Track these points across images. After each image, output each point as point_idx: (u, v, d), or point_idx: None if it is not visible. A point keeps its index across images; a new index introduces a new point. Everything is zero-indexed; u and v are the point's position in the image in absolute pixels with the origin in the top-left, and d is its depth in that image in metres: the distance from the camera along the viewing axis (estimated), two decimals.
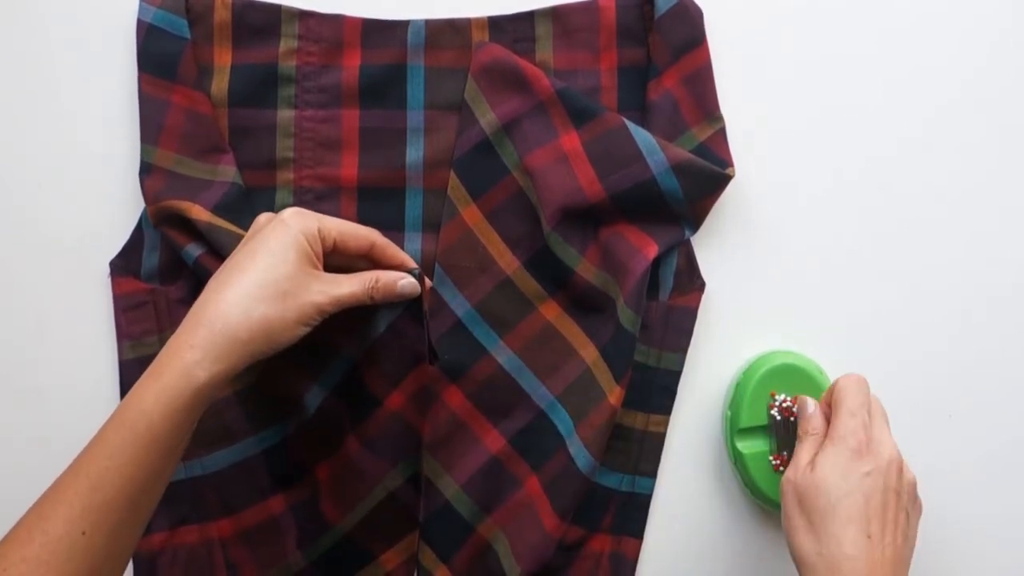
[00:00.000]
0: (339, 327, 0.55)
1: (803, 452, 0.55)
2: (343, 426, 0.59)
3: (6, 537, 0.45)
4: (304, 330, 0.50)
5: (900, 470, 0.54)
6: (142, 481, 0.46)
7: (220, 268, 0.52)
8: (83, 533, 0.44)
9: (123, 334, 0.62)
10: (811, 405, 0.58)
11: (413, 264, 0.56)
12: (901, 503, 0.53)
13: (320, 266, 0.52)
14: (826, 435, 0.55)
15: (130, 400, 0.47)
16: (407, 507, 0.61)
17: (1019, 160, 0.66)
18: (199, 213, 0.59)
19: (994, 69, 0.66)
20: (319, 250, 0.52)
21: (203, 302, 0.50)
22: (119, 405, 0.48)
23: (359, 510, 0.60)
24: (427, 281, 0.59)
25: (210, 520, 0.61)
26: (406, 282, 0.54)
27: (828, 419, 0.57)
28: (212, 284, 0.51)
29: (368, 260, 0.55)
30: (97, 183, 0.64)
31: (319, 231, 0.52)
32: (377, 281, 0.53)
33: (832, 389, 0.57)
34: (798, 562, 0.53)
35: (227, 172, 0.61)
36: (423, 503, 0.61)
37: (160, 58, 0.61)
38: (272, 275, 0.49)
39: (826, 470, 0.53)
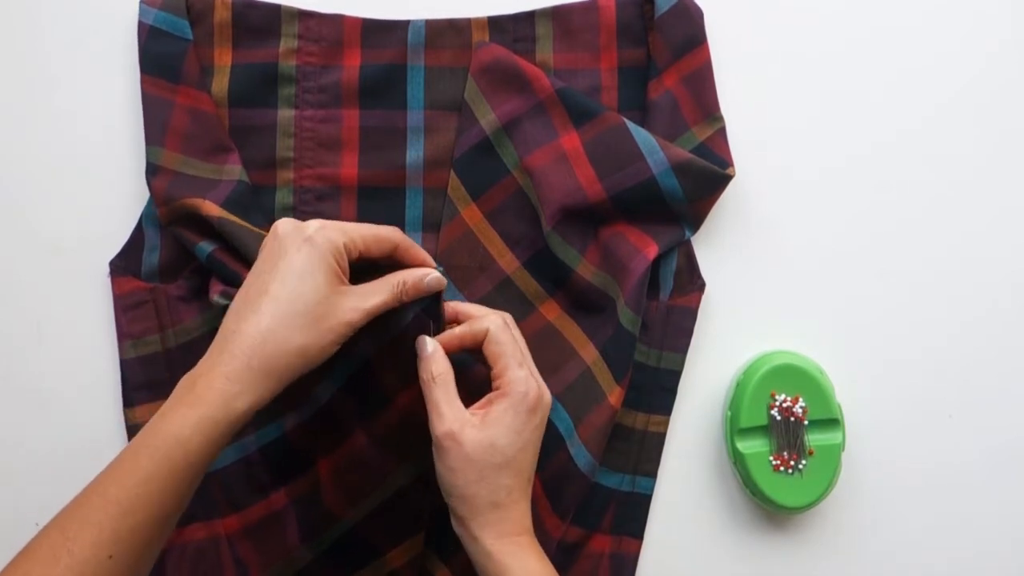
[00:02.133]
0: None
1: (442, 398, 0.52)
2: (350, 420, 0.59)
3: (27, 553, 0.45)
4: (337, 347, 0.50)
5: (550, 405, 0.55)
6: (171, 507, 0.47)
7: (247, 287, 0.51)
8: (110, 557, 0.44)
9: (124, 333, 0.62)
10: (430, 344, 0.54)
11: (434, 263, 0.55)
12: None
13: (347, 279, 0.52)
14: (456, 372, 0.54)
15: (164, 427, 0.47)
16: (415, 506, 0.61)
17: (1020, 160, 0.66)
18: (210, 209, 0.59)
19: (995, 69, 0.66)
20: (346, 265, 0.51)
21: (234, 330, 0.49)
22: (149, 430, 0.47)
23: (366, 504, 0.60)
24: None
25: (217, 517, 0.61)
26: (432, 278, 0.53)
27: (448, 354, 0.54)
28: (241, 308, 0.50)
29: (391, 260, 0.55)
30: (97, 183, 0.64)
31: (345, 246, 0.51)
32: (405, 283, 0.52)
33: (474, 332, 0.55)
34: (461, 506, 0.52)
35: (233, 171, 0.61)
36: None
37: (163, 60, 0.61)
38: (304, 302, 0.49)
39: (503, 428, 0.52)
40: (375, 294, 0.51)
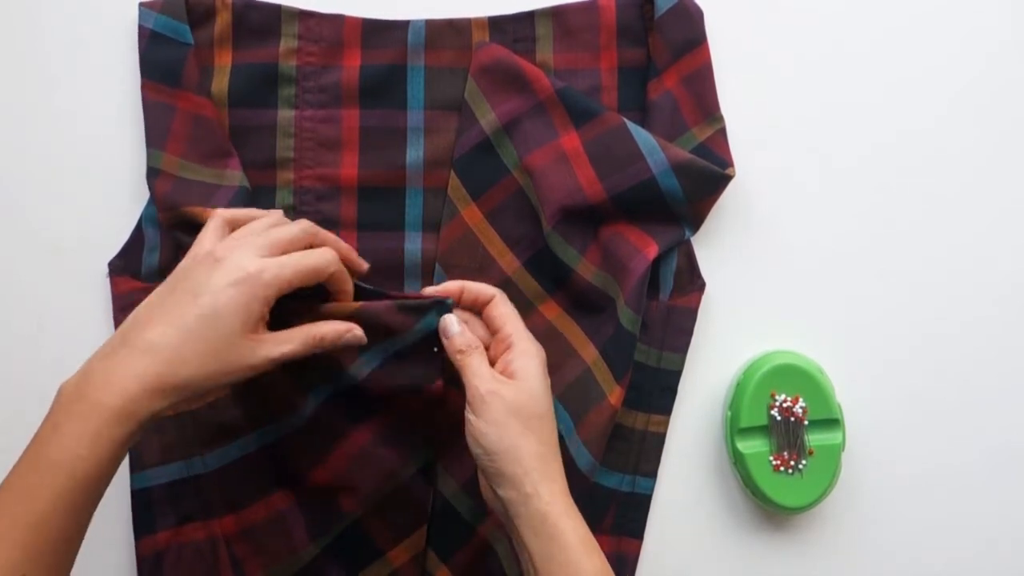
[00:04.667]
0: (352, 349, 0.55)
1: (481, 364, 0.53)
2: (350, 420, 0.59)
3: None
4: (230, 386, 0.51)
5: None
6: (81, 523, 0.47)
7: (160, 299, 0.50)
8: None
9: None
10: (456, 323, 0.55)
11: (351, 295, 0.55)
12: None
13: (266, 323, 0.51)
14: (487, 346, 0.55)
15: (58, 443, 0.46)
16: (417, 500, 0.60)
17: (1020, 160, 0.66)
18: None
19: (995, 69, 0.66)
20: (267, 311, 0.51)
21: (139, 348, 0.48)
22: (40, 444, 0.47)
23: (372, 498, 0.60)
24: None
25: (214, 517, 0.61)
26: (351, 336, 0.53)
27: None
28: (149, 321, 0.49)
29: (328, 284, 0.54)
30: (97, 183, 0.64)
31: (278, 291, 0.50)
32: (324, 339, 0.52)
33: (481, 292, 0.56)
34: (511, 464, 0.51)
35: (234, 176, 0.61)
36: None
37: (163, 64, 0.61)
38: (215, 344, 0.48)
39: (535, 380, 0.53)
40: (287, 344, 0.51)
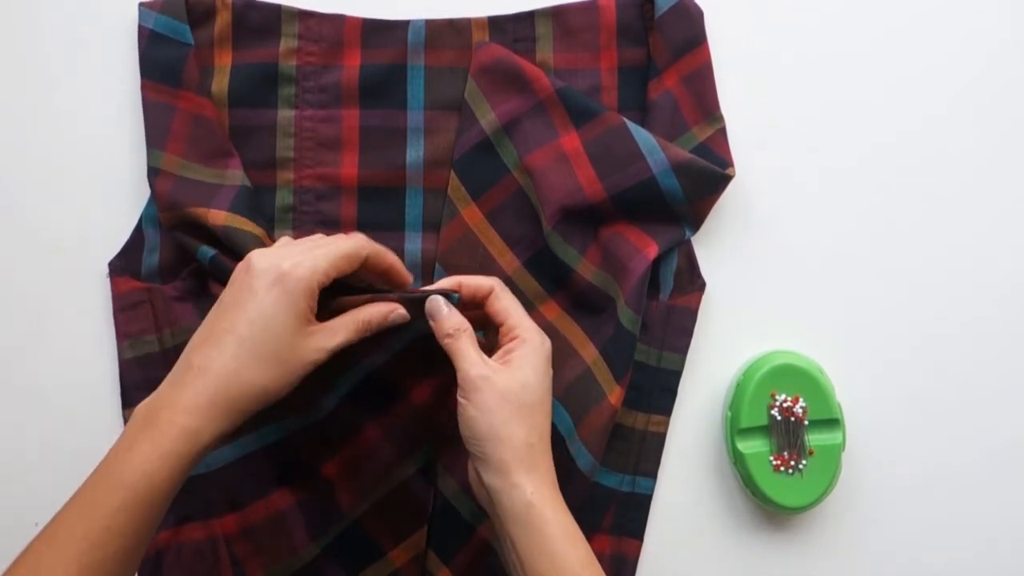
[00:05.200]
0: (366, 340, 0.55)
1: (469, 348, 0.52)
2: (363, 416, 0.59)
3: None
4: (298, 382, 0.51)
5: None
6: (140, 539, 0.47)
7: (212, 321, 0.51)
8: None
9: (121, 333, 0.62)
10: (444, 305, 0.54)
11: (402, 266, 0.56)
12: None
13: (314, 315, 0.52)
14: (473, 328, 0.54)
15: (129, 461, 0.47)
16: (417, 500, 0.60)
17: (1020, 160, 0.66)
18: (215, 218, 0.59)
19: (995, 69, 0.66)
20: (315, 303, 0.52)
21: (200, 367, 0.49)
22: (113, 463, 0.47)
23: (371, 498, 0.60)
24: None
25: (215, 516, 0.61)
26: (396, 315, 0.54)
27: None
28: (206, 343, 0.50)
29: (365, 269, 0.55)
30: (97, 184, 0.64)
31: (318, 283, 0.51)
32: (370, 323, 0.53)
33: (479, 285, 0.55)
34: (499, 449, 0.51)
35: (235, 176, 0.61)
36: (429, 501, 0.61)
37: (163, 64, 0.61)
38: (271, 346, 0.49)
39: (529, 369, 0.52)
40: (339, 333, 0.52)
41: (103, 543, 0.45)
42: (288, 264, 0.51)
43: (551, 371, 0.54)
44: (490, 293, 0.55)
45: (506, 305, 0.55)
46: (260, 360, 0.49)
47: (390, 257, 0.56)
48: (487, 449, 0.51)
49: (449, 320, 0.53)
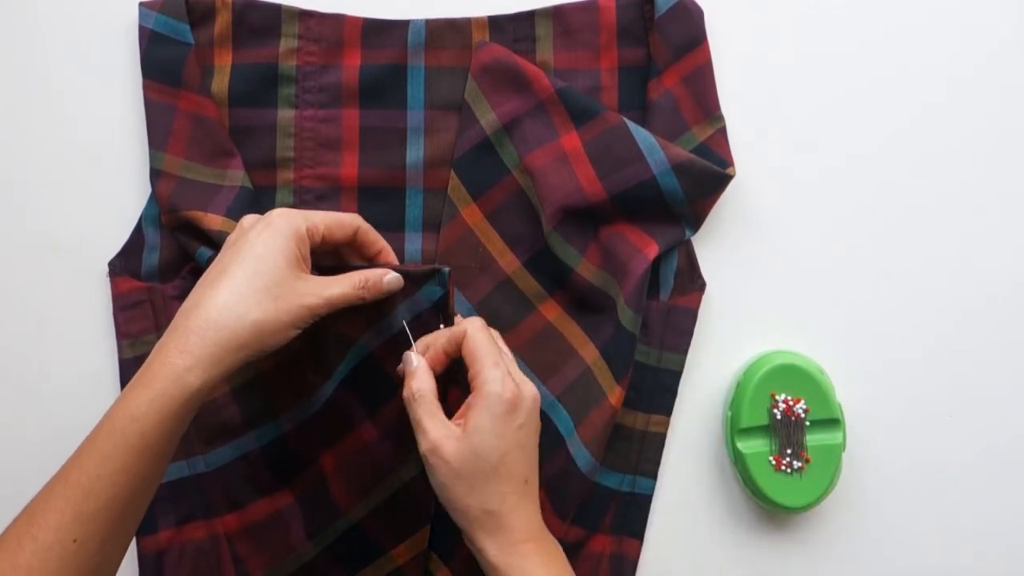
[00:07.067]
0: (357, 319, 0.56)
1: (423, 415, 0.51)
2: (358, 413, 0.59)
3: None
4: (295, 332, 0.51)
5: (538, 403, 0.53)
6: (134, 488, 0.46)
7: (207, 271, 0.52)
8: (74, 541, 0.44)
9: (121, 333, 0.62)
10: (414, 360, 0.54)
11: (389, 249, 0.57)
12: (539, 432, 0.54)
13: (308, 267, 0.52)
14: (437, 391, 0.53)
15: (121, 407, 0.47)
16: (420, 500, 0.61)
17: (1020, 160, 0.66)
18: (211, 222, 0.59)
19: (995, 69, 0.66)
20: (307, 252, 0.52)
21: (191, 306, 0.50)
22: (109, 411, 0.47)
23: (371, 499, 0.60)
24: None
25: (216, 516, 0.61)
26: (391, 277, 0.54)
27: (436, 372, 0.54)
28: (200, 287, 0.51)
29: (354, 246, 0.56)
30: (97, 183, 0.64)
31: (307, 230, 0.52)
32: (367, 280, 0.53)
33: (455, 335, 0.54)
34: (461, 519, 0.52)
35: (236, 176, 0.62)
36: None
37: (164, 64, 0.61)
38: (262, 280, 0.49)
39: (483, 434, 0.50)
40: (336, 285, 0.52)
41: (95, 492, 0.45)
42: (276, 213, 0.52)
43: (517, 419, 0.51)
44: (463, 337, 0.54)
45: (472, 349, 0.53)
46: (251, 293, 0.49)
47: (382, 242, 0.57)
48: (452, 517, 0.52)
49: (412, 379, 0.53)
